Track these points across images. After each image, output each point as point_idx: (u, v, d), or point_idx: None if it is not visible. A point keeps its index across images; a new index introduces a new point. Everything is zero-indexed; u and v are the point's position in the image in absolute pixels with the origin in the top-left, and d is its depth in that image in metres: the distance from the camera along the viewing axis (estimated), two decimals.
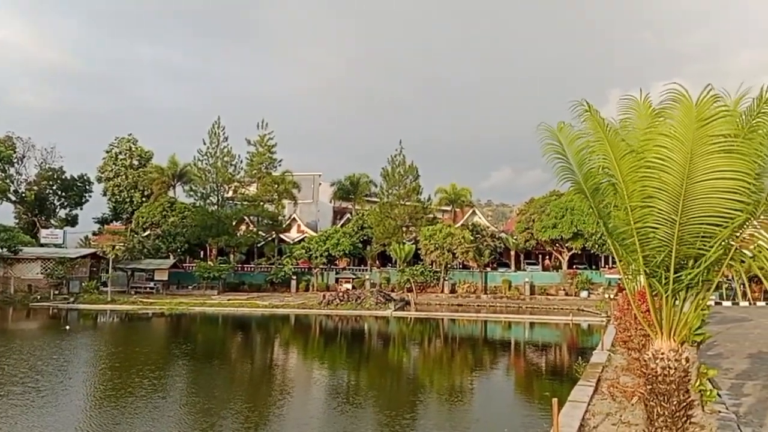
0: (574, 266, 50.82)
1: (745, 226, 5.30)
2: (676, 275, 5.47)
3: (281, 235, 56.16)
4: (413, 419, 14.33)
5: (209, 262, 50.25)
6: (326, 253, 49.66)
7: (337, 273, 51.87)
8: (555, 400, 7.53)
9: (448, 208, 63.10)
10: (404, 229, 51.74)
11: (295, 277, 49.89)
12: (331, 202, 67.58)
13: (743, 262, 5.69)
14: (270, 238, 55.39)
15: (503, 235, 56.83)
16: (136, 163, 61.50)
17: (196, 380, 18.75)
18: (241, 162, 53.31)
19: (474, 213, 64.97)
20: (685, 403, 5.52)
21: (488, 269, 51.68)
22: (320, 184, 67.38)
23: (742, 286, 37.68)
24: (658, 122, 5.26)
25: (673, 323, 5.62)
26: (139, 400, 15.39)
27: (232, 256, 54.43)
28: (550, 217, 46.78)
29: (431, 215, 54.89)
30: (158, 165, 60.16)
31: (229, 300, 41.57)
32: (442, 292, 47.49)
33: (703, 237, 5.34)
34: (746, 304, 36.89)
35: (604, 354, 15.31)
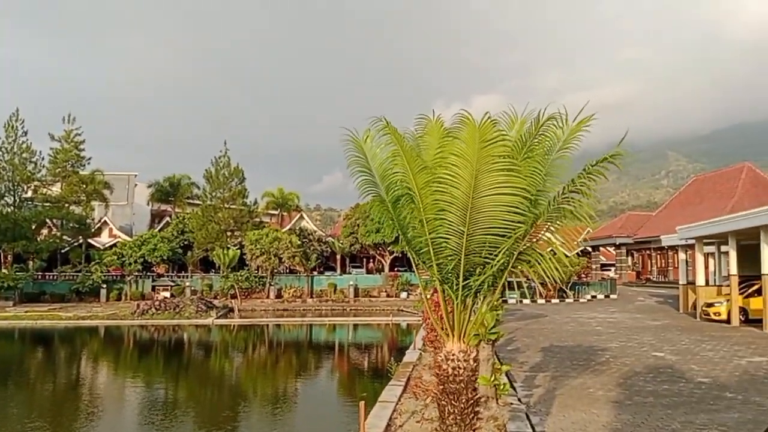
0: (396, 269, 53.00)
1: (525, 237, 5.89)
2: (466, 282, 5.94)
3: (90, 240, 51.81)
4: (231, 430, 13.98)
5: (3, 270, 44.83)
6: (141, 259, 46.70)
7: (154, 280, 48.92)
8: (362, 403, 7.79)
9: (276, 212, 62.67)
10: (229, 233, 50.34)
11: (105, 286, 46.17)
12: (148, 204, 63.80)
13: (529, 263, 6.33)
14: (76, 243, 50.84)
15: (330, 239, 57.63)
16: None
17: None
18: (43, 159, 48.33)
19: (302, 217, 65.20)
20: (473, 401, 6.01)
21: (315, 273, 52.05)
22: (136, 185, 63.28)
23: (540, 285, 41.88)
24: (448, 141, 5.70)
25: (463, 326, 6.10)
26: None
27: (31, 263, 49.01)
28: (374, 222, 48.31)
29: (257, 219, 54.07)
30: None
31: (26, 312, 37.40)
32: (268, 297, 46.90)
33: (489, 247, 5.85)
34: (543, 301, 41.02)
35: (416, 353, 16.12)
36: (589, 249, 67.72)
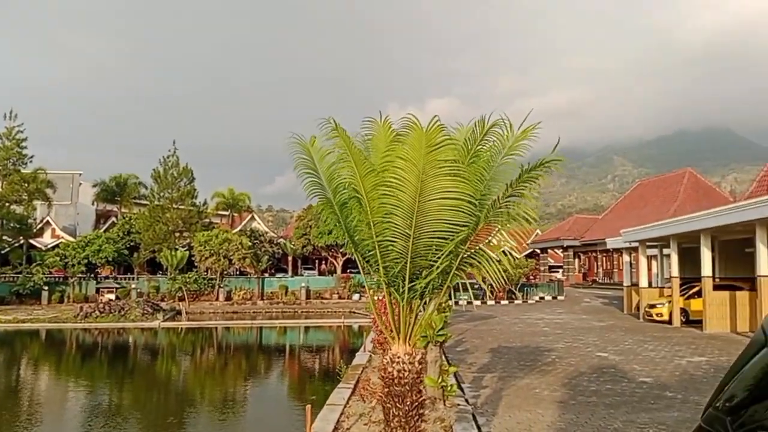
0: (348, 270, 52.93)
1: (469, 240, 5.94)
2: (412, 285, 5.96)
3: (31, 241, 49.98)
4: None
5: None
6: (86, 261, 45.29)
7: (98, 282, 47.53)
8: (308, 407, 7.74)
9: (226, 213, 61.74)
10: (177, 234, 49.32)
11: (47, 288, 44.59)
12: (93, 204, 61.95)
13: (473, 266, 6.40)
14: (17, 244, 48.94)
15: (282, 240, 57.14)
16: None
17: None
18: None
19: (253, 218, 64.47)
20: (417, 403, 6.03)
21: (266, 275, 51.49)
22: (80, 184, 61.33)
23: (489, 287, 42.41)
24: (395, 145, 5.71)
25: (409, 329, 6.12)
26: None
27: None
28: (326, 223, 48.10)
29: (207, 220, 53.16)
30: None
31: None
32: (217, 299, 46.14)
33: (434, 249, 5.89)
34: (492, 303, 41.61)
35: (366, 355, 16.12)
36: (538, 251, 69.10)
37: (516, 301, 43.00)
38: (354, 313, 39.82)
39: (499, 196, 5.70)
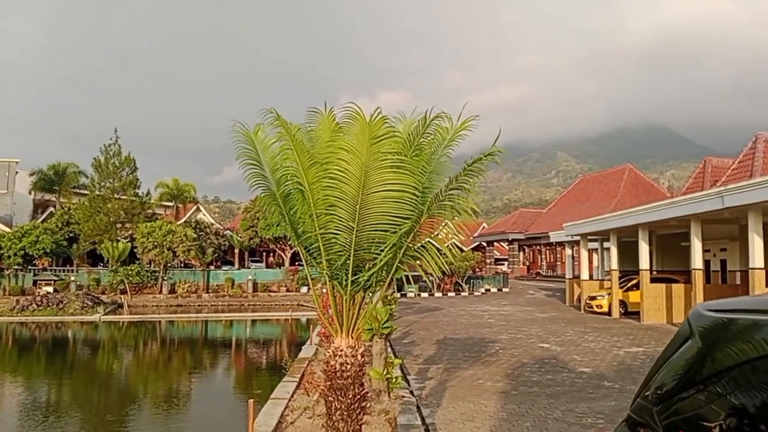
0: (297, 263, 52.53)
1: (412, 233, 5.94)
2: (355, 277, 5.93)
3: None
4: None
5: None
6: (22, 252, 43.48)
7: (35, 275, 45.74)
8: (251, 401, 7.63)
9: (170, 204, 60.27)
10: (119, 225, 47.88)
11: None
12: (30, 193, 59.46)
13: (416, 258, 6.42)
14: None
15: (228, 232, 56.22)
16: None
17: None
18: None
19: (198, 209, 63.20)
20: (359, 396, 6.01)
21: (211, 268, 50.60)
22: (17, 172, 58.69)
23: (436, 279, 42.90)
24: (339, 136, 5.65)
25: (352, 322, 6.09)
26: None
27: None
28: (274, 215, 47.52)
29: (150, 211, 51.75)
30: None
31: None
32: (161, 292, 45.04)
33: (378, 242, 5.86)
34: (440, 295, 42.08)
35: (312, 348, 16.03)
36: (484, 244, 70.22)
37: (463, 293, 43.62)
38: (302, 306, 39.56)
39: (441, 189, 5.72)
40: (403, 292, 40.52)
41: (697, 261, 21.25)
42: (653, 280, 25.24)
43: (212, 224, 57.39)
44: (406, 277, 6.69)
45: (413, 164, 5.68)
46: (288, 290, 47.24)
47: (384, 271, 6.02)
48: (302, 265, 52.33)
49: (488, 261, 67.24)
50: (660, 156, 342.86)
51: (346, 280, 5.88)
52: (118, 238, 46.81)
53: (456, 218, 5.92)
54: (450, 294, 42.86)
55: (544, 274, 65.65)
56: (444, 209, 5.83)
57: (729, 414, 2.07)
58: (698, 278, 21.09)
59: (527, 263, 72.79)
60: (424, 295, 41.46)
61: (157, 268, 45.82)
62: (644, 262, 24.52)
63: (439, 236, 6.71)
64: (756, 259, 17.83)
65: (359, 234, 5.70)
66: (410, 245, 6.05)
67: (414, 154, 5.83)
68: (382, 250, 5.76)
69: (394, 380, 10.03)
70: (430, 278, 39.81)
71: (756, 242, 17.90)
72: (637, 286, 25.57)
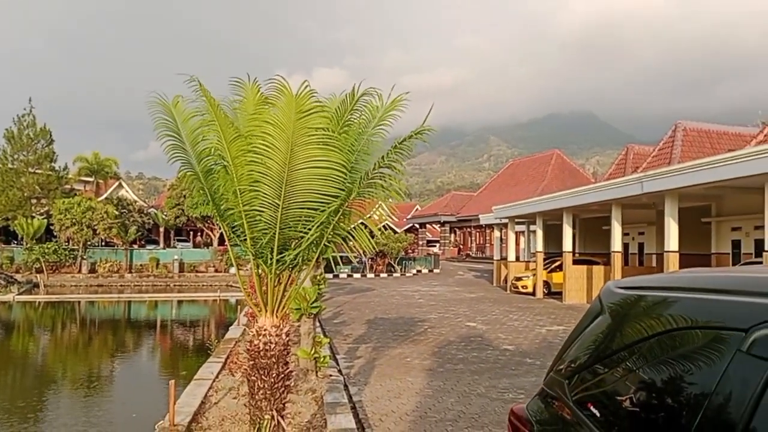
0: (226, 243, 51.43)
1: (340, 212, 5.85)
2: (281, 256, 5.80)
3: None
4: (36, 420, 12.63)
5: None
6: None
7: None
8: (172, 382, 7.41)
9: (90, 180, 57.52)
10: (34, 201, 45.47)
11: None
12: None
13: (346, 241, 6.35)
14: None
15: (153, 210, 54.46)
16: None
17: None
18: None
19: (121, 186, 60.79)
20: (283, 375, 5.92)
21: (135, 247, 48.92)
22: None
23: (368, 260, 43.08)
24: (264, 109, 5.47)
25: (277, 301, 5.96)
26: None
27: None
28: (201, 193, 46.28)
29: (68, 186, 49.40)
30: None
31: None
32: (80, 272, 43.17)
33: (304, 220, 5.74)
34: (372, 276, 42.27)
35: (240, 329, 15.77)
36: (417, 226, 70.99)
37: (395, 274, 43.98)
38: (231, 286, 38.86)
39: (370, 168, 5.65)
40: (335, 273, 40.48)
41: (616, 244, 22.15)
42: (575, 262, 26.18)
43: (136, 201, 55.43)
44: (339, 257, 6.61)
45: (341, 141, 5.58)
46: (216, 270, 46.28)
47: (311, 250, 5.91)
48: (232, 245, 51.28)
49: (420, 242, 68.06)
50: (586, 142, 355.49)
51: (271, 259, 5.74)
52: (33, 214, 44.47)
53: (386, 198, 5.87)
54: (382, 275, 43.13)
55: (473, 255, 67.04)
56: (373, 188, 5.76)
57: (638, 388, 2.12)
58: (617, 260, 22.01)
59: (458, 245, 74.13)
60: (357, 276, 41.55)
61: (76, 247, 43.88)
62: (567, 244, 25.39)
63: (374, 217, 6.66)
64: (671, 242, 18.73)
65: (285, 211, 5.56)
66: (339, 224, 5.97)
67: (342, 131, 5.73)
68: (309, 229, 5.64)
69: (321, 359, 9.99)
70: (356, 258, 39.89)
71: (671, 227, 18.79)
72: (560, 268, 26.47)
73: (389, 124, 5.83)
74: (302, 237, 5.74)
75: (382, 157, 5.52)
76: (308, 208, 5.62)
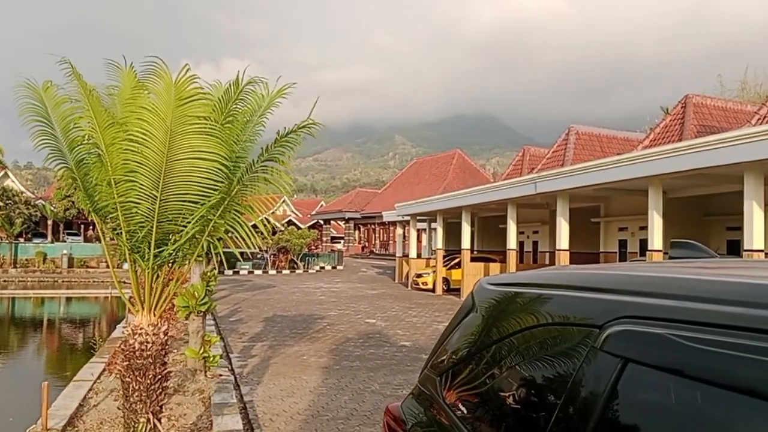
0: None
1: (222, 205, 5.63)
2: (159, 251, 5.51)
3: None
4: None
5: None
6: None
7: None
8: (45, 384, 6.91)
9: None
10: None
11: None
12: None
13: (222, 238, 6.10)
14: None
15: (41, 202, 51.06)
16: None
17: None
18: None
19: (6, 175, 56.52)
20: (161, 376, 5.64)
21: (20, 240, 45.68)
22: None
23: (272, 256, 42.42)
24: (141, 94, 5.17)
25: (154, 298, 5.67)
26: None
27: None
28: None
29: None
30: None
31: None
32: None
33: (185, 214, 5.48)
34: (274, 272, 41.61)
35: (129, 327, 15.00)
36: (322, 222, 70.66)
37: (297, 271, 43.51)
38: (124, 283, 36.83)
39: (254, 160, 5.47)
40: (235, 270, 39.53)
41: (512, 242, 22.97)
42: (473, 259, 26.94)
43: (22, 192, 51.77)
44: (240, 253, 6.38)
45: (225, 132, 5.36)
46: (108, 266, 43.95)
47: (192, 245, 5.65)
48: None
49: (325, 239, 67.77)
50: (488, 143, 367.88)
51: (148, 254, 5.44)
52: None
53: (270, 192, 5.70)
54: (285, 272, 42.54)
55: (377, 252, 67.54)
56: (257, 181, 5.58)
57: (502, 387, 2.12)
58: (512, 258, 22.84)
59: (362, 241, 74.46)
60: (258, 272, 40.76)
61: None
62: (466, 242, 26.08)
63: (277, 213, 6.45)
64: (562, 241, 19.62)
65: (163, 204, 5.28)
66: (223, 218, 5.74)
67: (227, 121, 5.50)
68: (189, 222, 5.39)
69: (211, 359, 9.65)
70: (258, 255, 39.09)
71: (563, 226, 19.70)
72: (459, 265, 27.13)
73: (272, 113, 5.66)
74: (182, 231, 5.48)
75: (265, 149, 5.36)
76: (189, 201, 5.37)
